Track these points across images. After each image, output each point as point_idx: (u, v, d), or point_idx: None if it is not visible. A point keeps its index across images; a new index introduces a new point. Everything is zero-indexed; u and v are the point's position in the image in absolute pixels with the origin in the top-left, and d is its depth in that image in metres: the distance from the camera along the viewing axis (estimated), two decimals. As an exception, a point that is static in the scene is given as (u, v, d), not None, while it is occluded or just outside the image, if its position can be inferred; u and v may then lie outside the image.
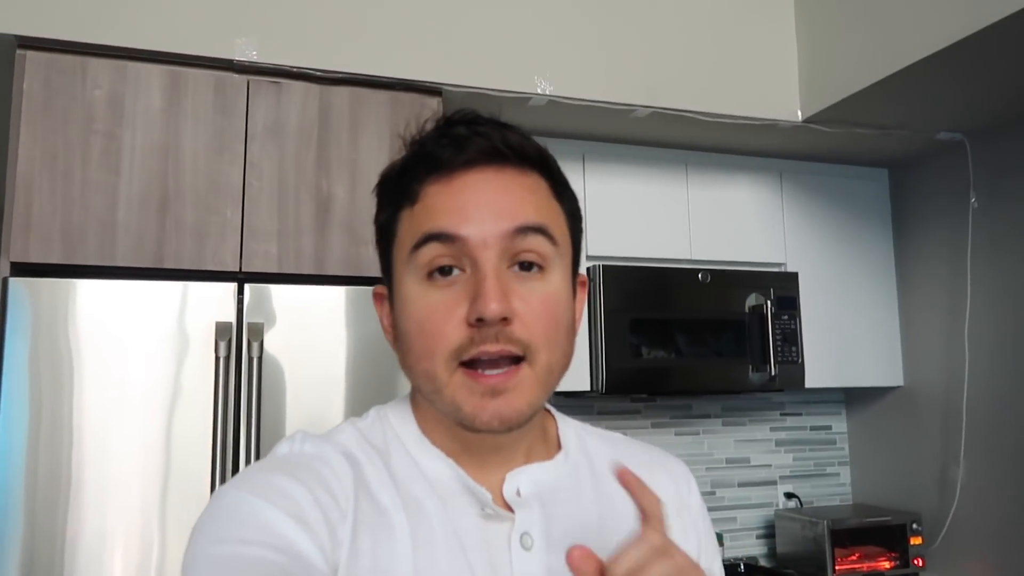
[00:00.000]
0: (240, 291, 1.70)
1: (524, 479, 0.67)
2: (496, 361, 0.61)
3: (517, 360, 0.62)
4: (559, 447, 0.72)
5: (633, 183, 2.48)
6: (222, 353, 1.64)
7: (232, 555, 0.54)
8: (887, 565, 2.51)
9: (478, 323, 0.60)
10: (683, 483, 0.77)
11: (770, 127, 2.35)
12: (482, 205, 0.62)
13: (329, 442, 0.67)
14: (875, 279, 2.76)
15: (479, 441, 0.66)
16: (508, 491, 0.66)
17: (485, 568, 0.62)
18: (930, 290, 2.65)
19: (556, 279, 0.65)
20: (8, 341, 1.54)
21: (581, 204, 2.16)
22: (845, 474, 2.95)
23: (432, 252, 0.62)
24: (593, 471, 0.72)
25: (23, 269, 1.65)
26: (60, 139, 1.69)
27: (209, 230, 1.76)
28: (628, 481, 0.60)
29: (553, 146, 2.58)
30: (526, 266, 0.63)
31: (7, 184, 1.65)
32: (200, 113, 1.79)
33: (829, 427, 2.96)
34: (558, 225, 0.66)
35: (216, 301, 1.68)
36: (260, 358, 1.66)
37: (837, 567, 2.45)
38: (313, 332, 1.73)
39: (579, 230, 0.71)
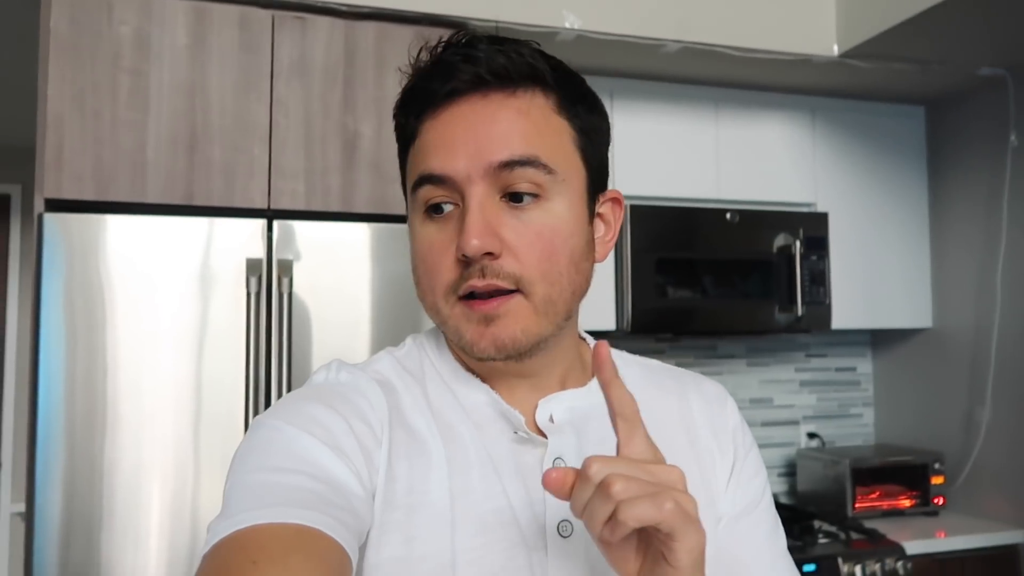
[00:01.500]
0: (269, 228, 1.72)
1: (557, 405, 0.68)
2: (490, 293, 0.61)
3: (507, 292, 0.61)
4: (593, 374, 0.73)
5: (662, 121, 2.44)
6: (252, 289, 1.66)
7: (270, 483, 0.55)
8: (907, 503, 2.54)
9: (464, 259, 0.61)
10: (716, 404, 0.75)
11: (804, 63, 2.29)
12: (467, 140, 0.61)
13: (365, 371, 0.68)
14: (908, 220, 2.71)
15: (500, 367, 0.66)
16: (541, 417, 0.67)
17: (520, 492, 0.63)
18: (964, 231, 2.60)
19: (558, 206, 0.63)
20: (45, 276, 1.58)
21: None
22: (869, 415, 2.96)
23: (426, 193, 0.63)
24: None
25: (57, 205, 1.67)
26: (88, 77, 1.69)
27: (237, 168, 1.77)
28: (601, 367, 0.54)
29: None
30: (519, 197, 0.62)
31: (38, 122, 1.66)
32: (225, 50, 1.78)
33: (854, 368, 2.95)
34: (557, 148, 0.63)
35: (245, 238, 1.70)
36: (289, 294, 1.69)
37: (857, 505, 2.48)
38: (340, 269, 1.74)
39: (597, 143, 0.67)
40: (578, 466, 0.64)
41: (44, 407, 1.57)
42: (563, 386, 0.70)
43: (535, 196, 0.62)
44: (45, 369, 1.58)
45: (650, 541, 0.51)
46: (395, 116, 0.69)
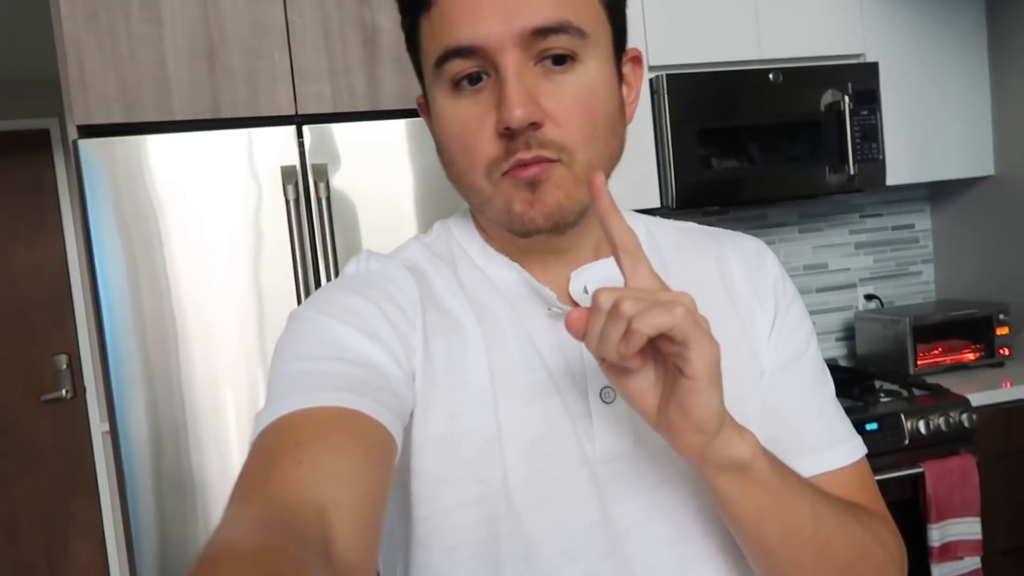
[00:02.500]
0: (300, 134, 1.70)
1: (590, 276, 0.67)
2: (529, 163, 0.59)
3: (551, 161, 0.59)
4: None
5: (694, -19, 2.29)
6: (291, 196, 1.67)
7: (308, 371, 0.56)
8: (971, 356, 2.49)
9: (507, 132, 0.58)
10: (755, 259, 0.73)
11: None
12: (498, 5, 0.57)
13: (394, 258, 0.68)
14: (965, 64, 2.54)
15: (540, 245, 0.65)
16: (575, 289, 0.66)
17: (559, 363, 0.63)
18: (1028, 68, 2.43)
19: (592, 68, 0.60)
20: (89, 202, 1.61)
21: (639, 10, 2.02)
22: (928, 272, 2.88)
23: (455, 67, 0.59)
24: (664, 263, 0.70)
25: (90, 131, 1.68)
26: (99, -6, 1.66)
27: (259, 75, 1.74)
28: (597, 198, 0.53)
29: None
30: (557, 59, 0.59)
31: (57, 47, 1.65)
32: (231, -50, 1.72)
33: (912, 225, 2.86)
34: (587, 10, 0.60)
35: (278, 146, 1.69)
36: (328, 198, 1.69)
37: (919, 362, 2.45)
38: (376, 168, 1.73)
39: (620, 5, 0.64)
40: None
41: (112, 330, 1.63)
42: (597, 257, 0.68)
43: (571, 59, 0.59)
44: (107, 293, 1.63)
45: (665, 368, 0.53)
46: None
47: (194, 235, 1.65)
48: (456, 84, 0.60)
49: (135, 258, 1.63)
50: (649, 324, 0.48)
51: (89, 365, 3.43)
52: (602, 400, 0.63)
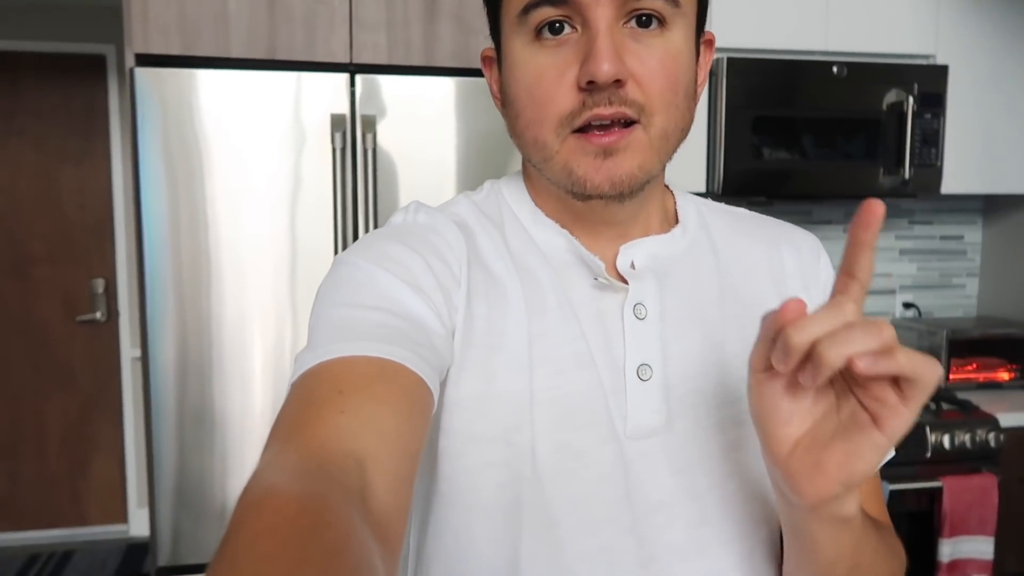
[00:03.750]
0: (352, 83, 1.70)
1: (639, 252, 0.66)
2: (608, 126, 0.58)
3: (629, 124, 0.58)
4: (677, 222, 0.70)
5: (767, -37, 2.23)
6: (337, 145, 1.67)
7: (352, 318, 0.55)
8: (1006, 376, 2.44)
9: (589, 86, 0.56)
10: (809, 256, 0.72)
11: None
12: None
13: (444, 212, 0.67)
14: (1039, 74, 2.45)
15: (592, 212, 0.64)
16: (622, 263, 0.65)
17: (598, 335, 0.63)
18: (1105, 85, 2.34)
19: (677, 37, 0.59)
20: (140, 130, 1.62)
21: None
22: (972, 286, 2.81)
23: (543, 13, 0.57)
24: (714, 247, 0.70)
25: (147, 61, 1.69)
26: (167, -76, 1.65)
27: (318, 20, 1.73)
28: (867, 227, 0.47)
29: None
30: (644, 21, 0.57)
31: (122, -26, 1.65)
32: None
33: (961, 237, 2.79)
34: None
35: (329, 93, 1.68)
36: (374, 150, 1.68)
37: (951, 376, 2.40)
38: (424, 124, 1.72)
39: None
40: (658, 313, 0.63)
41: (150, 259, 1.65)
42: (646, 233, 0.67)
43: (658, 23, 0.58)
44: (149, 222, 1.65)
45: (839, 409, 0.48)
46: None
47: (237, 175, 1.66)
48: (538, 33, 0.59)
49: (177, 190, 1.65)
50: (910, 360, 0.43)
51: (125, 290, 3.50)
52: (639, 377, 0.63)
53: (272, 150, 1.67)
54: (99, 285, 3.47)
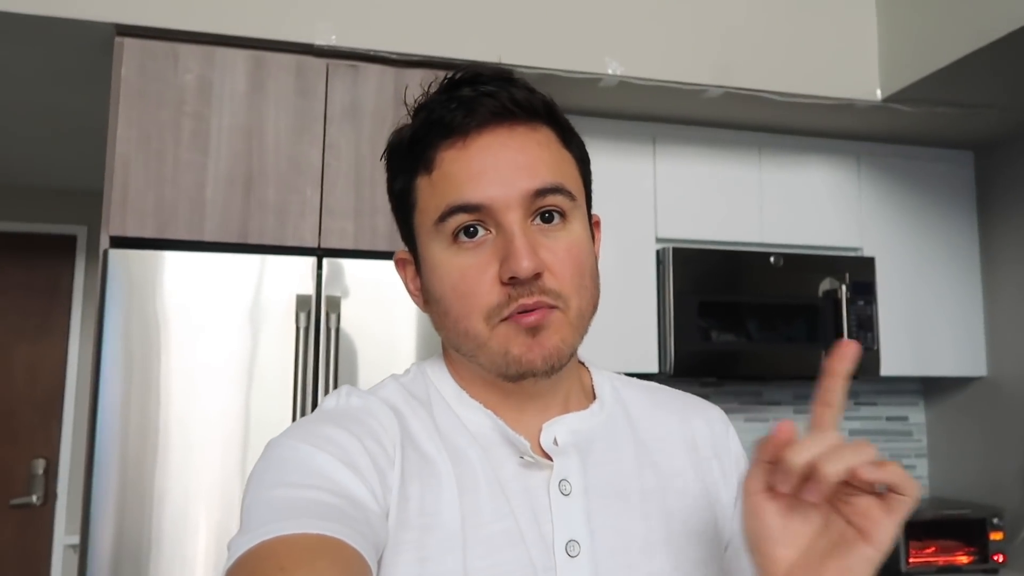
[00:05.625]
0: (319, 266, 1.78)
1: (561, 428, 0.69)
2: (531, 309, 0.63)
3: (549, 307, 0.64)
4: (594, 397, 0.74)
5: (705, 165, 2.46)
6: (302, 324, 1.72)
7: (290, 498, 0.56)
8: (964, 560, 2.43)
9: (512, 281, 0.62)
10: (719, 427, 0.78)
11: (847, 107, 2.30)
12: (500, 168, 0.64)
13: (375, 395, 0.69)
14: (958, 265, 2.66)
15: (518, 390, 0.68)
16: (545, 440, 0.68)
17: (527, 513, 0.64)
18: (1017, 276, 2.54)
19: (577, 227, 0.67)
20: (107, 310, 1.66)
21: (651, 187, 2.27)
22: (922, 467, 2.87)
23: (457, 221, 0.64)
24: (630, 420, 0.74)
25: (121, 243, 1.76)
26: (154, 121, 1.79)
27: (290, 208, 1.84)
28: (841, 360, 0.54)
29: (623, 128, 2.56)
30: (548, 217, 0.65)
31: (107, 163, 1.76)
32: (282, 96, 1.87)
33: (906, 418, 2.88)
34: (572, 177, 0.68)
35: (296, 275, 1.76)
36: (337, 330, 1.73)
37: (911, 560, 2.39)
38: (386, 306, 1.79)
39: (588, 173, 0.72)
40: (582, 488, 0.66)
41: (101, 438, 1.62)
42: (566, 408, 0.71)
43: (560, 218, 0.66)
44: (104, 401, 1.64)
45: (829, 526, 0.53)
46: (396, 146, 0.70)
47: (198, 353, 1.68)
48: (455, 237, 0.65)
49: (133, 370, 1.65)
50: (898, 470, 0.49)
51: (66, 472, 3.35)
52: (568, 553, 0.64)
53: (236, 329, 1.71)
54: (39, 466, 3.33)
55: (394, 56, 1.94)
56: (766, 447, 0.52)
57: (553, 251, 0.64)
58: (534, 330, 0.64)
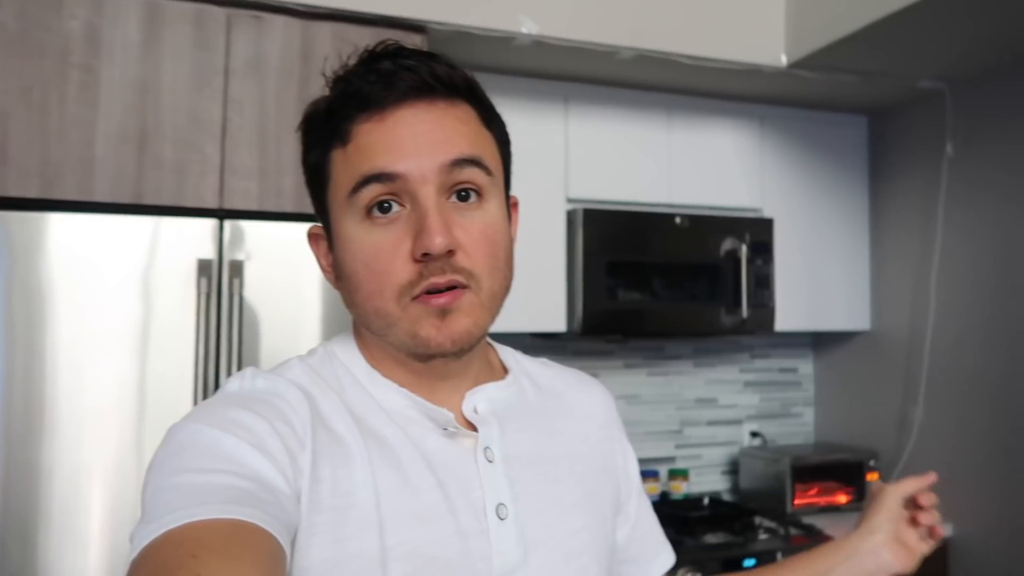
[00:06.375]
0: (220, 228, 1.71)
1: (481, 398, 0.72)
2: (442, 290, 0.64)
3: (461, 287, 0.64)
4: (504, 371, 0.77)
5: (615, 126, 2.48)
6: (203, 290, 1.66)
7: (198, 484, 0.54)
8: (844, 499, 2.64)
9: (424, 258, 0.62)
10: (608, 399, 0.85)
11: (753, 72, 2.35)
12: (417, 141, 0.63)
13: (282, 377, 0.67)
14: (850, 226, 2.81)
15: (429, 370, 0.69)
16: (467, 409, 0.70)
17: (455, 483, 0.66)
18: (902, 237, 2.71)
19: (493, 207, 0.67)
20: (-11, 275, 1.55)
21: (563, 147, 2.30)
22: (809, 415, 3.06)
23: (371, 192, 0.63)
24: (537, 391, 0.78)
25: (1, 203, 1.64)
26: (36, 72, 1.66)
27: (189, 167, 1.76)
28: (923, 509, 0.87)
29: (536, 87, 2.53)
30: (464, 196, 0.65)
31: (-18, 116, 1.63)
32: (179, 48, 1.76)
33: (796, 369, 3.05)
34: (491, 154, 0.68)
35: (196, 238, 1.69)
36: (240, 295, 1.69)
37: (796, 501, 2.57)
38: (292, 269, 1.74)
39: (508, 155, 0.72)
40: (502, 456, 0.69)
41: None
42: (476, 383, 0.73)
43: (477, 196, 0.66)
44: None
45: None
46: (312, 117, 0.68)
47: (90, 320, 1.60)
48: (369, 212, 0.64)
49: (16, 338, 1.55)
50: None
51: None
52: (498, 516, 0.66)
53: (130, 295, 1.63)
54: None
55: (300, 7, 1.85)
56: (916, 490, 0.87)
57: (468, 230, 0.64)
58: (444, 312, 0.64)
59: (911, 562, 0.83)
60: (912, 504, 0.86)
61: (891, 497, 0.86)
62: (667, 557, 0.87)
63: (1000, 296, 2.34)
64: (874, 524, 0.84)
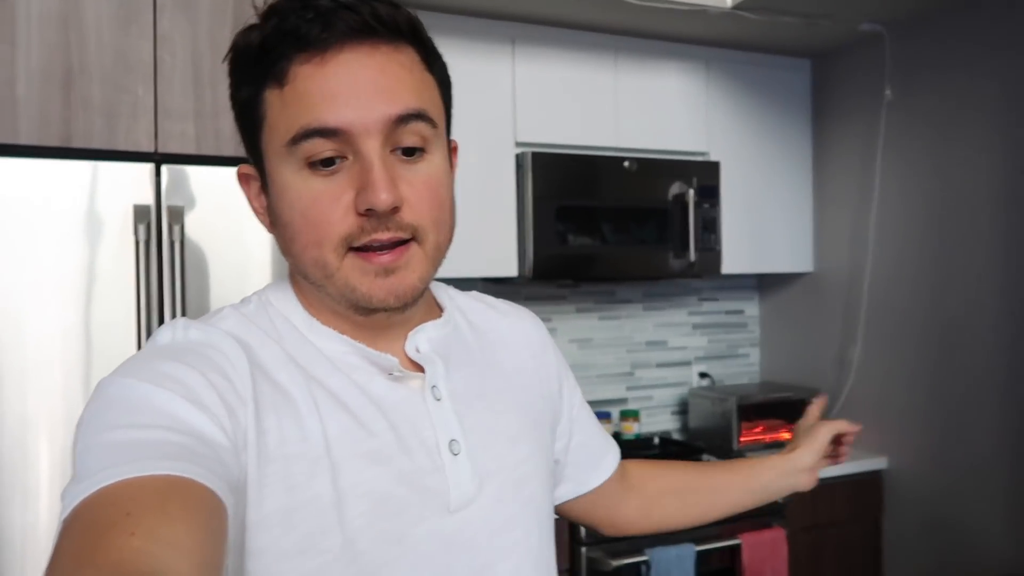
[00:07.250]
0: (157, 173, 1.64)
1: (422, 337, 0.71)
2: (386, 246, 0.62)
3: (405, 242, 0.63)
4: (440, 309, 0.77)
5: (563, 68, 2.45)
6: (141, 237, 1.60)
7: (130, 440, 0.52)
8: (787, 436, 2.72)
9: (368, 213, 0.60)
10: (541, 326, 0.87)
11: (699, 13, 2.34)
12: (360, 91, 0.60)
13: (216, 327, 0.65)
14: (793, 169, 2.85)
15: (371, 322, 0.68)
16: (410, 348, 0.70)
17: (406, 423, 0.66)
18: (843, 180, 2.76)
19: (437, 159, 0.65)
20: (-94, 223, 1.47)
21: (510, 90, 2.28)
22: (755, 355, 3.14)
23: (313, 147, 0.60)
24: (472, 327, 0.78)
25: (-84, 147, 1.54)
26: (-55, 4, 1.55)
27: (120, 108, 1.67)
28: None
29: (482, 27, 2.48)
30: (409, 151, 0.63)
31: None
32: (102, -21, 1.66)
33: (742, 311, 3.12)
34: (434, 103, 0.66)
35: (132, 183, 1.62)
36: (182, 241, 1.63)
37: (742, 438, 2.64)
38: (235, 214, 1.69)
39: (450, 97, 0.70)
40: (448, 393, 0.70)
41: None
42: (416, 324, 0.72)
43: (420, 150, 0.64)
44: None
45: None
46: (244, 49, 0.63)
47: (26, 269, 1.54)
48: (310, 163, 0.61)
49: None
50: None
51: None
52: (452, 452, 0.67)
53: (66, 243, 1.57)
54: None
55: (232, -61, 1.76)
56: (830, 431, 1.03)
57: (412, 184, 0.63)
58: (388, 271, 0.62)
59: (813, 484, 1.03)
60: (836, 440, 1.04)
61: (824, 433, 1.01)
62: (613, 457, 0.93)
63: (934, 238, 2.41)
64: (806, 452, 1.01)
